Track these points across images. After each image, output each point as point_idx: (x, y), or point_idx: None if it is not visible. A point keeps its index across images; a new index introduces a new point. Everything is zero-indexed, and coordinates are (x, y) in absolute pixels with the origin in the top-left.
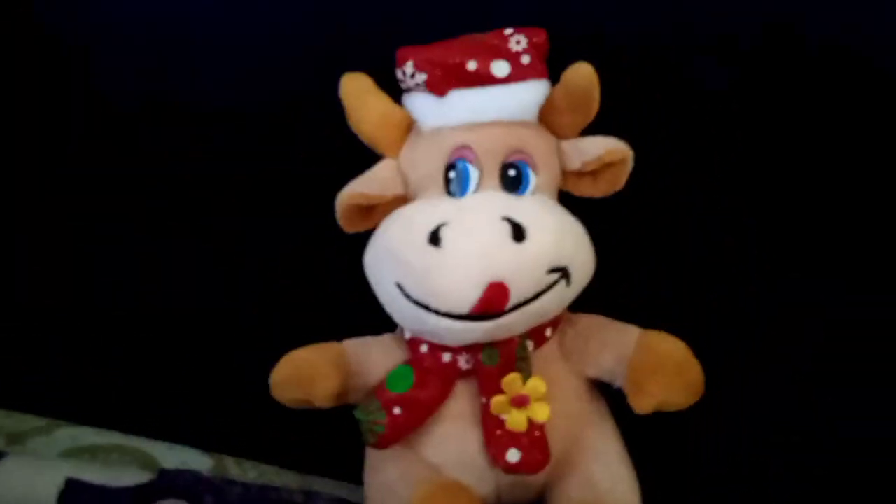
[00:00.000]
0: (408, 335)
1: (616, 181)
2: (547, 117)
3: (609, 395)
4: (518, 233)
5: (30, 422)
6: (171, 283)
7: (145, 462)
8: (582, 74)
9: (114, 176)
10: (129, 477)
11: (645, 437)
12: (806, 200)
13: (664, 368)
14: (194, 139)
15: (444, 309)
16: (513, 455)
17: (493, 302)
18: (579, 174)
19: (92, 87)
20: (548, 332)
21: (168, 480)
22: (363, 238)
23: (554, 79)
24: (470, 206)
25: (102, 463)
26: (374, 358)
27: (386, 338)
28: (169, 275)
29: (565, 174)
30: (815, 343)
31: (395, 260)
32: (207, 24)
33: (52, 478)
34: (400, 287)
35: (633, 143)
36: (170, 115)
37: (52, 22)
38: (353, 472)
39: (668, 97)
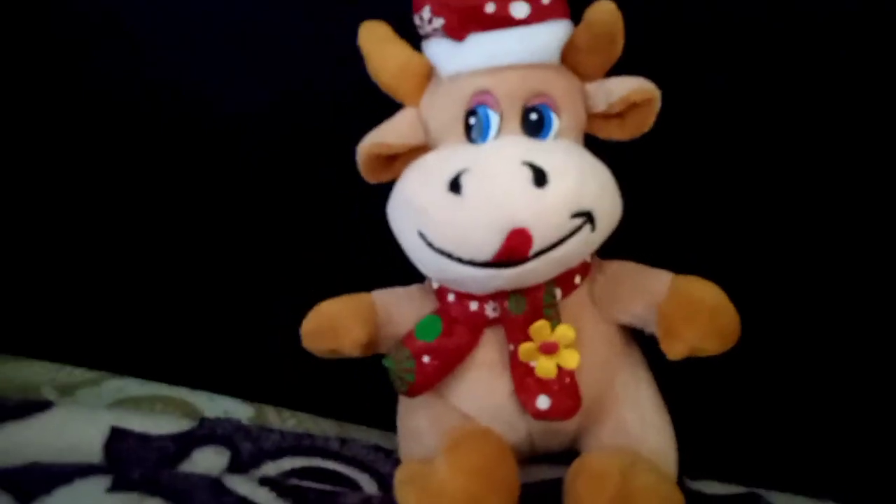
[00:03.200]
0: (435, 285)
1: (643, 123)
2: (570, 59)
3: (643, 343)
4: (539, 177)
5: (79, 374)
6: (210, 238)
7: (188, 411)
8: (605, 11)
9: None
10: (170, 425)
11: (679, 383)
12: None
13: (697, 313)
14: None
15: (466, 257)
16: (543, 401)
17: (516, 249)
18: (605, 116)
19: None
20: (577, 279)
21: (208, 428)
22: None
23: (575, 20)
24: (490, 151)
25: (146, 412)
26: (402, 308)
27: (414, 288)
28: (207, 229)
29: (591, 117)
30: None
31: (415, 209)
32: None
33: (97, 426)
34: (422, 236)
35: None
36: None
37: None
38: (389, 420)
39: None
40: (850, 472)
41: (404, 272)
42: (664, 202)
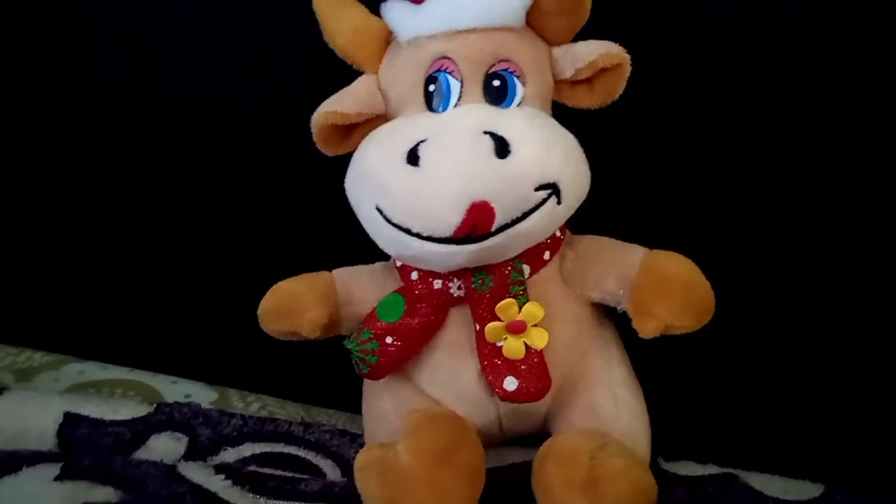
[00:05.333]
0: (398, 262)
1: (613, 89)
2: (535, 22)
3: (617, 321)
4: (501, 147)
5: (39, 358)
6: (172, 220)
7: (150, 396)
8: None
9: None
10: (126, 410)
11: (654, 363)
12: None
13: (670, 289)
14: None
15: (425, 232)
16: (510, 383)
17: (477, 223)
18: (573, 83)
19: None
20: (546, 255)
21: (165, 413)
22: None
23: None
24: (450, 121)
25: (102, 397)
26: (364, 286)
27: (377, 266)
28: (169, 211)
29: (558, 84)
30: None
31: (372, 182)
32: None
33: (50, 411)
34: (380, 210)
35: None
36: None
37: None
38: (357, 402)
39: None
40: (826, 452)
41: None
42: (638, 175)
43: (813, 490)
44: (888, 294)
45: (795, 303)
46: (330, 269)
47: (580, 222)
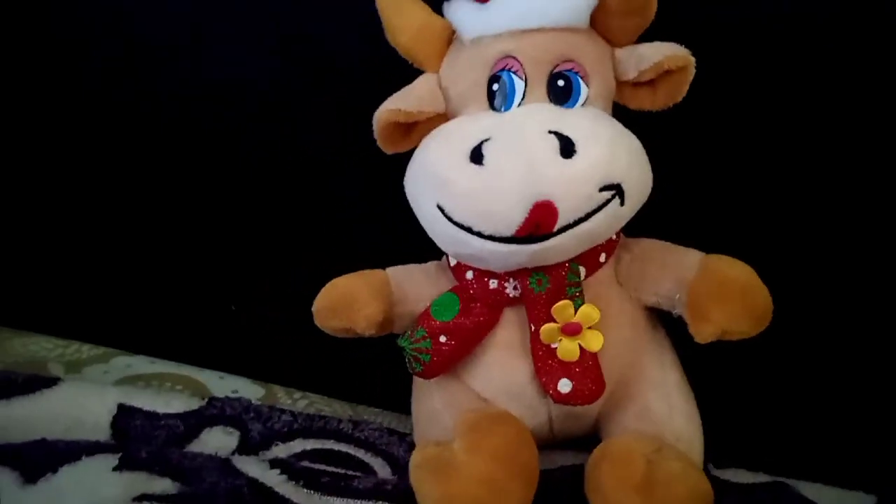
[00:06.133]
0: (453, 262)
1: (676, 92)
2: (600, 22)
3: (670, 326)
4: (567, 147)
5: (87, 351)
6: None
7: (197, 390)
8: None
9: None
10: (179, 404)
11: (705, 368)
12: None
13: (728, 294)
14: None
15: (487, 231)
16: (564, 385)
17: (540, 222)
18: (636, 85)
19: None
20: (602, 257)
21: (217, 408)
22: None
23: None
24: (514, 119)
25: (155, 390)
26: (418, 285)
27: (431, 265)
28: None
29: (620, 85)
30: None
31: (434, 180)
32: None
33: (105, 403)
34: (441, 209)
35: None
36: None
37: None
38: (403, 402)
39: None
40: (880, 462)
41: (418, 251)
42: (693, 178)
43: (866, 501)
44: None
45: (852, 311)
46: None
47: (630, 222)
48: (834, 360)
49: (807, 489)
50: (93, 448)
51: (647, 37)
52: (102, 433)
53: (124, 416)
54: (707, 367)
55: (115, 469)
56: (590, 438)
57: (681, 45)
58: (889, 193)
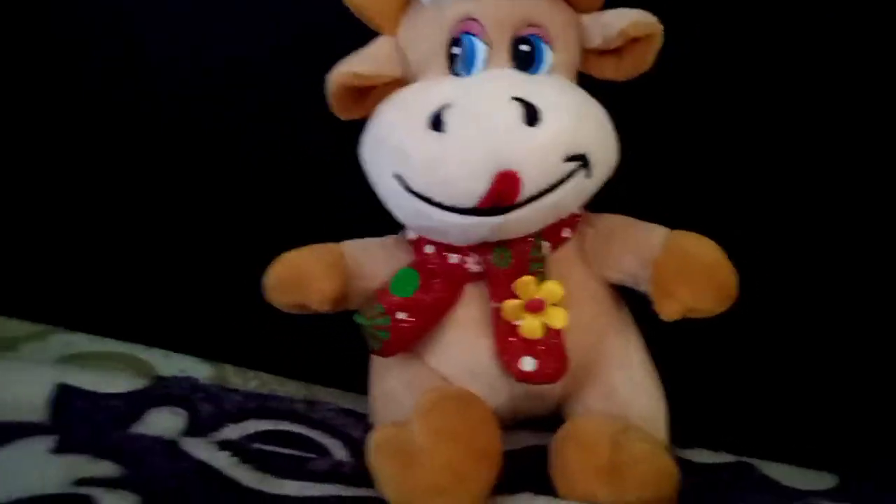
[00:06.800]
0: (412, 235)
1: (642, 61)
2: None
3: (633, 303)
4: (531, 115)
5: (24, 328)
6: (168, 189)
7: (141, 370)
8: None
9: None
10: (122, 383)
11: (668, 347)
12: None
13: (693, 270)
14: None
15: (448, 202)
16: (527, 363)
17: (503, 193)
18: (601, 53)
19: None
20: (566, 233)
21: (163, 387)
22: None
23: None
24: (476, 85)
25: (96, 369)
26: (375, 260)
27: (389, 239)
28: (168, 211)
29: (585, 53)
30: None
31: (392, 148)
32: None
33: (42, 382)
34: (399, 178)
35: None
36: None
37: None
38: (359, 382)
39: None
40: (844, 443)
41: (374, 221)
42: (658, 151)
43: (828, 481)
44: None
45: (815, 290)
46: (332, 235)
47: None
48: (797, 340)
49: (770, 469)
50: (28, 429)
51: (614, 3)
52: (39, 414)
53: (63, 396)
54: (670, 347)
55: (52, 451)
56: (552, 418)
57: (647, 11)
58: (852, 164)
